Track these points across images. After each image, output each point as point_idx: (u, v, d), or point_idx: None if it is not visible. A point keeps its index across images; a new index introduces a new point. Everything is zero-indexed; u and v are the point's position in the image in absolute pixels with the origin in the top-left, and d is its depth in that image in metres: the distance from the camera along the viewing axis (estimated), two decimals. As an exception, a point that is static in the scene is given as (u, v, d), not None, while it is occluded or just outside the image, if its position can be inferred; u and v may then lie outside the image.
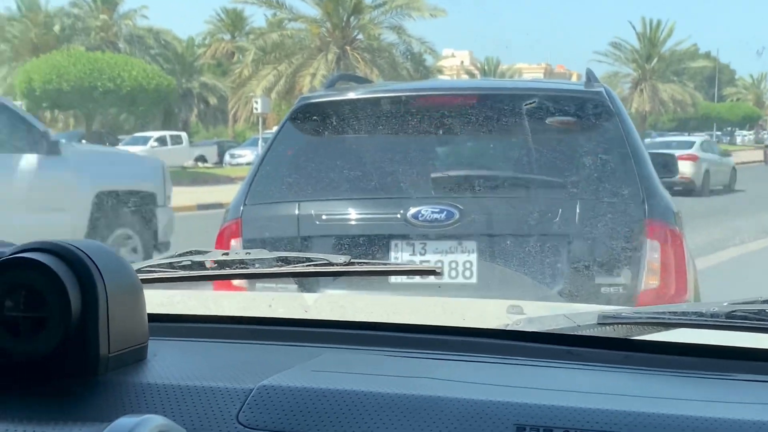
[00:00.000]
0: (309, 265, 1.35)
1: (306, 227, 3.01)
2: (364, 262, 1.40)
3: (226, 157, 27.65)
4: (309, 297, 1.40)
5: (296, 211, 3.04)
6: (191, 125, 31.48)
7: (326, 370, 1.04)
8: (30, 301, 0.96)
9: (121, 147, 24.53)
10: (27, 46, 30.20)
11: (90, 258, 1.00)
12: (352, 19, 29.10)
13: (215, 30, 35.45)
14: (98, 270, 1.00)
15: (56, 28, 32.05)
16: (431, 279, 2.80)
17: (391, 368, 1.09)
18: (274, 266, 1.37)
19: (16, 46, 31.05)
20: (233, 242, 3.01)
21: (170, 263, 1.41)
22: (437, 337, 1.25)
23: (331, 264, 1.35)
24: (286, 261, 1.37)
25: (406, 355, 1.17)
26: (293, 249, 2.92)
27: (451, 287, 2.87)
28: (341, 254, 1.48)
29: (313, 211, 3.03)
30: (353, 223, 3.05)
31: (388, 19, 29.00)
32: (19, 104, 25.06)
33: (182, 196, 16.48)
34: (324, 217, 3.02)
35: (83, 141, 25.49)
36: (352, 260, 1.35)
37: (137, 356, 1.05)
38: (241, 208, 3.10)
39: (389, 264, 1.57)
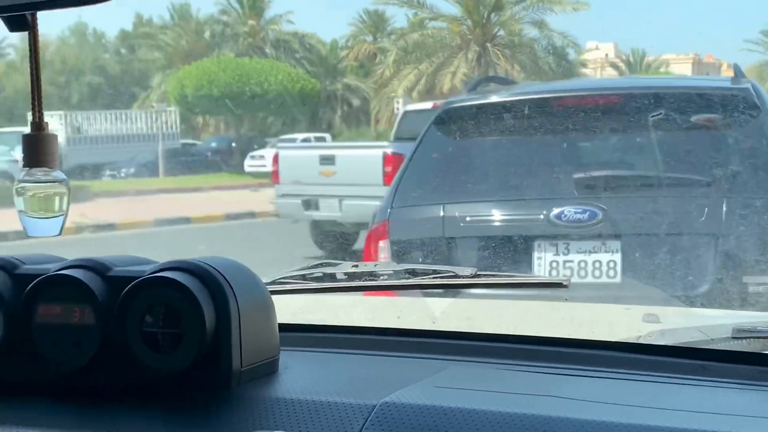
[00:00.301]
0: (436, 277, 1.37)
1: (451, 228, 3.15)
2: (490, 275, 1.41)
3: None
4: (437, 307, 1.42)
5: (441, 213, 3.19)
6: (335, 126, 32.11)
7: (449, 386, 1.05)
8: (168, 317, 1.02)
9: (268, 149, 25.28)
10: (180, 53, 31.50)
11: (223, 275, 1.05)
12: (492, 15, 28.93)
13: (358, 32, 35.98)
14: (231, 287, 1.05)
15: (206, 35, 33.31)
16: (575, 279, 2.83)
17: (514, 384, 1.10)
18: (402, 278, 1.40)
19: (169, 54, 32.44)
20: (381, 243, 3.20)
21: (303, 275, 1.46)
22: (564, 350, 1.25)
23: (457, 276, 1.36)
24: (413, 273, 1.40)
25: (530, 369, 1.17)
26: (438, 249, 3.04)
27: (594, 287, 2.92)
28: (467, 266, 1.51)
29: (457, 213, 3.17)
30: (497, 224, 3.16)
31: (530, 14, 28.66)
32: (173, 110, 26.23)
33: (323, 194, 16.86)
34: (468, 218, 3.16)
35: (233, 145, 26.40)
36: (478, 272, 1.36)
37: (269, 369, 1.10)
38: (389, 210, 3.25)
39: (515, 276, 1.56)
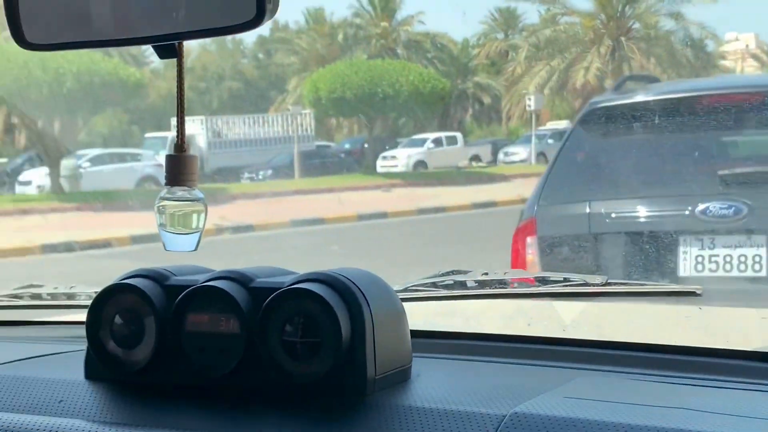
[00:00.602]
0: (566, 286, 1.38)
1: (596, 225, 3.28)
2: (621, 283, 1.41)
3: (500, 156, 27.87)
4: (567, 314, 1.43)
5: (587, 210, 3.31)
6: (466, 125, 32.04)
7: (579, 396, 1.06)
8: (306, 326, 1.07)
9: (400, 149, 25.47)
10: (314, 57, 32.14)
11: (357, 286, 1.10)
12: (627, 9, 28.25)
13: (489, 30, 35.81)
14: (365, 297, 1.09)
15: (340, 38, 33.86)
16: (720, 273, 3.00)
17: (646, 395, 1.10)
18: (533, 286, 1.41)
19: (304, 57, 33.15)
20: (528, 239, 3.32)
21: (434, 282, 1.50)
22: (697, 360, 1.24)
23: (587, 284, 1.37)
24: (543, 281, 1.41)
25: (662, 379, 1.17)
26: (584, 245, 3.22)
27: (739, 280, 3.02)
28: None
29: (603, 210, 3.36)
30: (642, 220, 3.34)
31: (666, 6, 27.83)
32: (308, 112, 26.80)
33: (457, 195, 16.85)
34: (614, 215, 3.37)
35: (365, 145, 26.75)
36: (609, 281, 1.36)
37: (402, 377, 1.13)
38: (535, 207, 3.39)
39: (647, 285, 1.55)
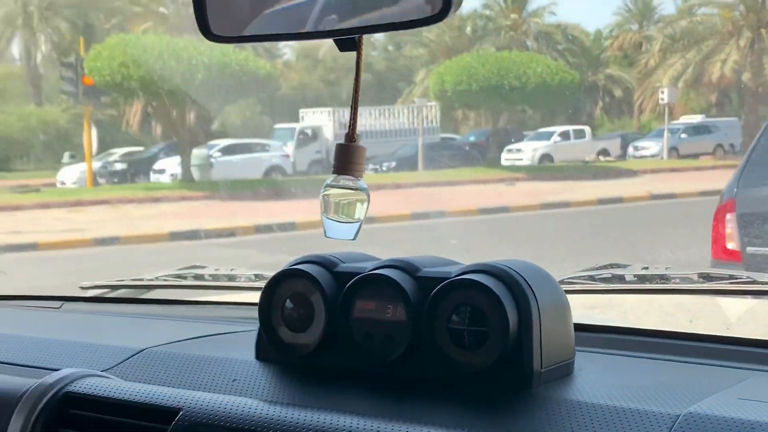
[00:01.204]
0: (732, 283, 1.34)
1: None
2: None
3: (630, 150, 27.19)
4: (732, 311, 1.39)
5: None
6: (596, 118, 31.38)
7: (754, 398, 1.03)
8: (473, 317, 1.08)
9: (525, 143, 25.16)
10: (442, 49, 32.09)
11: (524, 278, 1.10)
12: (768, -1, 27.08)
13: (623, 21, 34.93)
14: (531, 289, 1.09)
15: (468, 30, 33.70)
16: None
17: (823, 399, 1.06)
18: (696, 282, 1.38)
19: (432, 49, 33.16)
20: (728, 216, 3.93)
21: (591, 276, 1.48)
22: None
23: (755, 282, 1.33)
24: (707, 277, 1.38)
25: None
26: None
27: None
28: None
29: None
30: None
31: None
32: (433, 105, 26.81)
33: (583, 190, 16.50)
34: None
35: (490, 138, 26.56)
36: (779, 280, 1.32)
37: (565, 371, 1.13)
38: (735, 189, 3.99)
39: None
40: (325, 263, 1.19)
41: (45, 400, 1.08)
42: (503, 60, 26.45)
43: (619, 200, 14.93)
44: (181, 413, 1.02)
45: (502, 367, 1.07)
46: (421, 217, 12.89)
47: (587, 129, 27.53)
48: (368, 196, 1.10)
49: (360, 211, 1.09)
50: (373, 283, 1.13)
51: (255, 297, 1.59)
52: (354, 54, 1.07)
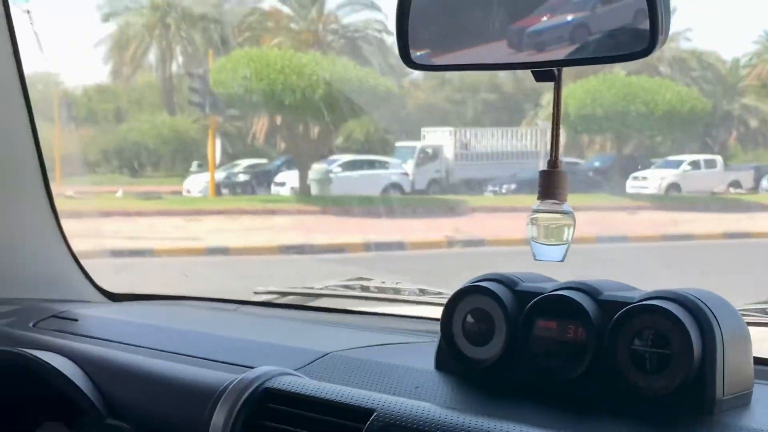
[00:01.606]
0: None
1: None
2: None
3: (764, 183, 26.21)
4: None
5: None
6: (728, 148, 30.41)
7: None
8: (656, 342, 1.11)
9: (652, 170, 24.60)
10: (571, 71, 31.63)
11: (708, 306, 1.12)
12: None
13: (762, 50, 33.84)
14: (715, 317, 1.11)
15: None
16: None
17: None
18: None
19: (563, 71, 32.75)
20: None
21: (763, 309, 1.48)
22: None
23: None
24: None
25: None
26: None
27: None
28: None
29: None
30: None
31: None
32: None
33: (708, 223, 15.97)
34: None
35: (614, 165, 26.07)
36: None
37: (744, 401, 1.14)
38: None
39: None
40: (507, 282, 1.24)
41: (247, 394, 1.17)
42: (631, 85, 25.94)
43: (746, 235, 14.39)
44: (375, 414, 1.08)
45: (683, 393, 1.09)
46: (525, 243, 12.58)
47: (719, 159, 26.67)
48: (574, 220, 1.14)
49: (568, 234, 1.14)
50: (556, 304, 1.18)
51: (420, 311, 1.67)
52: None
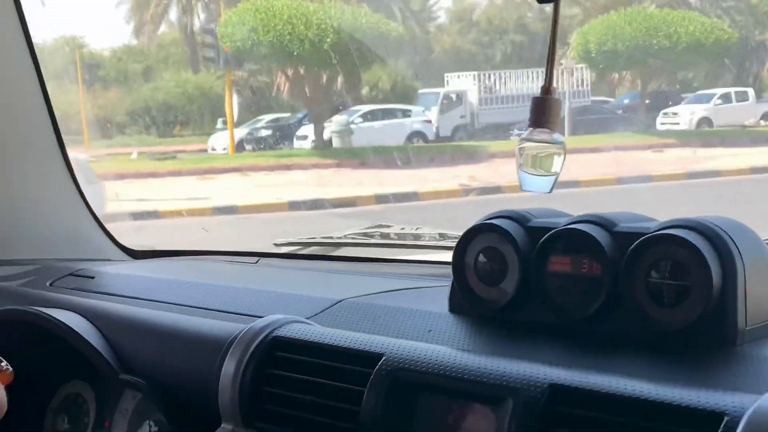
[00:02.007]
0: None
1: None
2: None
3: (800, 113, 25.67)
4: None
5: None
6: (762, 80, 29.85)
7: None
8: (674, 273, 1.07)
9: (683, 106, 24.25)
10: (597, 7, 31.15)
11: (728, 234, 1.08)
12: None
13: (795, -22, 32.97)
14: (736, 246, 1.07)
15: (623, -12, 32.59)
16: None
17: None
18: None
19: (587, 8, 32.24)
20: None
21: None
22: None
23: None
24: None
25: None
26: None
27: None
28: None
29: None
30: None
31: None
32: (581, 66, 26.10)
33: (738, 158, 15.65)
34: None
35: (646, 101, 25.66)
36: None
37: None
38: None
39: None
40: (518, 218, 1.20)
41: (256, 343, 1.15)
42: (652, 18, 25.38)
43: (767, 170, 14.06)
44: (384, 358, 1.06)
45: (703, 325, 1.05)
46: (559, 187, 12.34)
47: (750, 91, 26.16)
48: (564, 150, 1.10)
49: (557, 164, 1.10)
50: (569, 238, 1.14)
51: (440, 256, 1.64)
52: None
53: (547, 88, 1.12)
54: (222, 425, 1.16)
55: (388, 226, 1.81)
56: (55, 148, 2.00)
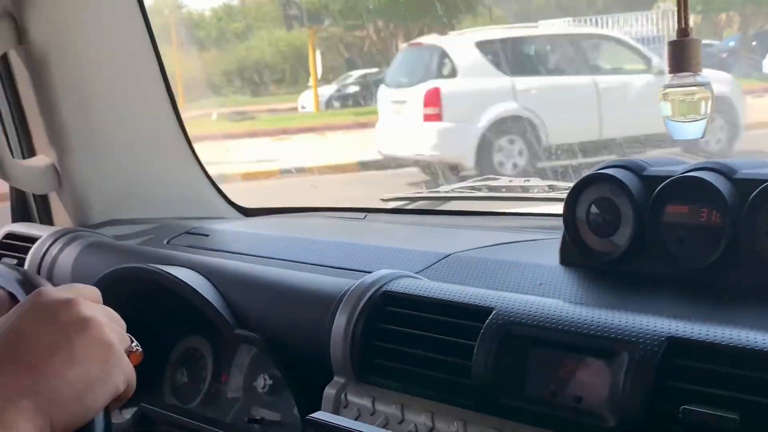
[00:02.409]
0: None
1: None
2: None
3: None
4: None
5: None
6: None
7: None
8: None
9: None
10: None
11: None
12: None
13: None
14: None
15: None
16: None
17: None
18: None
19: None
20: None
21: None
22: None
23: None
24: None
25: None
26: None
27: None
28: None
29: None
30: None
31: None
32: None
33: None
34: None
35: (753, 43, 24.47)
36: None
37: None
38: None
39: None
40: (633, 167, 1.16)
41: (366, 298, 1.15)
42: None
43: None
44: (494, 312, 1.04)
45: (728, 263, 1.01)
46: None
47: None
48: (712, 91, 1.05)
49: (705, 107, 1.05)
50: (686, 186, 1.10)
51: (549, 208, 1.61)
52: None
53: (683, 30, 1.07)
54: (334, 378, 1.17)
55: (496, 179, 1.78)
56: (170, 111, 2.05)
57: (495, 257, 1.27)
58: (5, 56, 1.91)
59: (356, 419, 1.11)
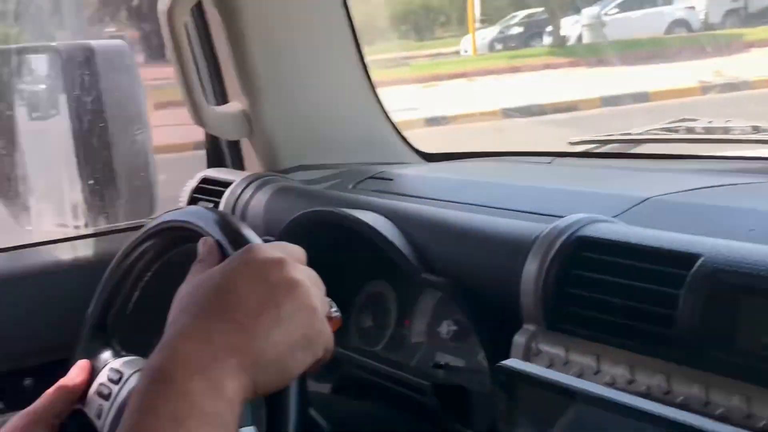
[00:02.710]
0: None
1: None
2: None
3: None
4: None
5: None
6: None
7: None
8: None
9: None
10: None
11: None
12: None
13: None
14: None
15: None
16: None
17: None
18: None
19: None
20: None
21: None
22: None
23: None
24: None
25: None
26: None
27: None
28: None
29: None
30: None
31: None
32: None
33: None
34: None
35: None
36: None
37: None
38: None
39: None
40: None
41: (560, 243, 1.10)
42: None
43: None
44: (702, 258, 0.97)
45: None
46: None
47: None
48: None
49: None
50: None
51: (755, 150, 1.49)
52: None
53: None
54: (523, 326, 1.14)
55: (694, 120, 1.67)
56: (356, 57, 2.05)
57: (698, 201, 1.19)
58: (199, 4, 1.96)
59: (548, 368, 1.07)
